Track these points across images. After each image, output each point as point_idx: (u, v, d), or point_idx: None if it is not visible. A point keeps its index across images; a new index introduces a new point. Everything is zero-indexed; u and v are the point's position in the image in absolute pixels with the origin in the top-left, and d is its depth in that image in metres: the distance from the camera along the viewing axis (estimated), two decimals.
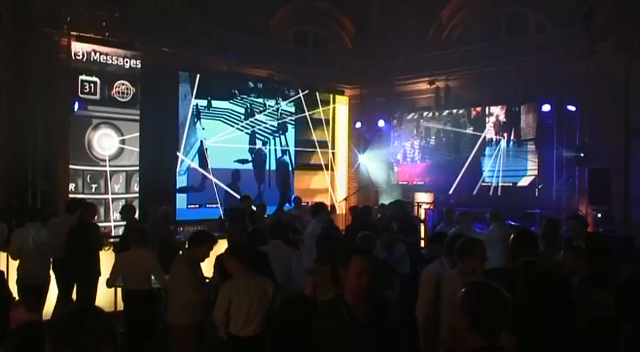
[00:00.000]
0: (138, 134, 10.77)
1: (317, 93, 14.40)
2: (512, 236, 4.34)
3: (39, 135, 9.75)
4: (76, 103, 10.01)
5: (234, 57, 12.15)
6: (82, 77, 10.19)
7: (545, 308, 3.64)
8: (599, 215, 9.97)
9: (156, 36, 10.82)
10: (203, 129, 12.11)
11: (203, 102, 12.08)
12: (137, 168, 10.74)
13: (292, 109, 13.83)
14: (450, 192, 12.64)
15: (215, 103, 12.31)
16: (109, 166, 10.34)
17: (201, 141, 12.11)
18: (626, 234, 8.37)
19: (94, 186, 9.14)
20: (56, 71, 9.97)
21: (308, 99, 14.21)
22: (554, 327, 3.58)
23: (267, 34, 13.05)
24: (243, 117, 12.85)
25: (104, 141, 10.46)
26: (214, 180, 12.16)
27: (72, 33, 9.99)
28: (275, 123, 13.48)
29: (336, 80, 14.82)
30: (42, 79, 9.81)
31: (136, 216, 8.58)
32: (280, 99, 13.53)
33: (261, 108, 13.21)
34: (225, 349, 4.51)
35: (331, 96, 14.85)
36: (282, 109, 13.60)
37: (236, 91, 12.75)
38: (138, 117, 10.77)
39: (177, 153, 11.55)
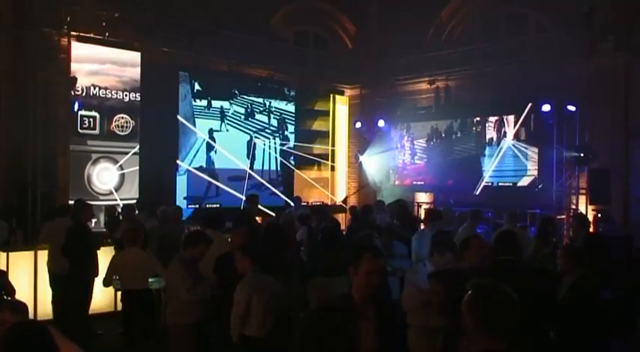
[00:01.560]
0: (137, 149, 10.77)
1: (317, 94, 14.42)
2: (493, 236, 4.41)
3: (39, 135, 9.75)
4: (76, 103, 10.00)
5: (234, 57, 12.15)
6: (82, 112, 10.19)
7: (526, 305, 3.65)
8: (599, 215, 9.96)
9: (156, 36, 10.82)
10: (227, 130, 12.51)
11: (203, 102, 12.10)
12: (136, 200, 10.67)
13: (292, 109, 13.84)
14: (477, 192, 12.42)
15: (215, 103, 12.33)
16: (109, 200, 10.22)
17: (251, 136, 12.89)
18: (626, 234, 8.37)
19: (93, 220, 9.05)
20: (56, 71, 9.97)
21: (307, 100, 14.23)
22: (539, 326, 3.59)
23: (267, 34, 13.05)
24: (243, 117, 12.87)
25: (104, 176, 10.44)
26: (258, 178, 12.88)
27: (72, 33, 9.99)
28: (275, 123, 13.50)
29: (336, 80, 14.83)
30: (42, 79, 9.80)
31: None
32: (279, 98, 13.55)
33: (261, 108, 13.23)
34: (238, 350, 4.49)
35: (331, 96, 14.85)
36: (281, 109, 13.61)
37: (236, 91, 12.76)
38: (137, 151, 10.76)
39: (177, 151, 11.58)
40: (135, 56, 10.79)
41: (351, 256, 3.03)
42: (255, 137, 13.11)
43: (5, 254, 7.29)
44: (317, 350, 2.79)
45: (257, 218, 8.75)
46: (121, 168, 10.60)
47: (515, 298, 2.29)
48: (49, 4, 9.89)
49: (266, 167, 13.30)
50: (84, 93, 10.16)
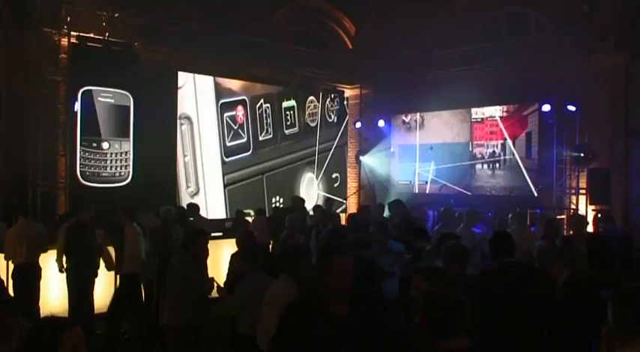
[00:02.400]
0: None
1: (317, 94, 14.42)
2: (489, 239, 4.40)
3: (39, 136, 9.74)
4: (76, 103, 9.99)
5: (234, 57, 12.14)
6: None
7: (527, 307, 3.65)
8: (599, 215, 9.97)
9: (156, 36, 10.80)
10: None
11: (203, 103, 12.08)
12: None
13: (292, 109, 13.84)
14: (536, 194, 11.80)
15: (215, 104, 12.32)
16: None
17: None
18: (626, 234, 8.38)
19: None
20: (56, 71, 9.97)
21: (307, 100, 14.22)
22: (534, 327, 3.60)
23: (267, 34, 13.04)
24: None
25: None
26: None
27: (72, 33, 9.98)
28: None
29: (336, 80, 14.82)
30: (42, 79, 9.80)
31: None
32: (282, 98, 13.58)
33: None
34: (236, 349, 4.51)
35: (331, 96, 14.84)
36: (282, 109, 13.61)
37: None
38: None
39: (177, 151, 11.52)
40: None
41: (319, 260, 3.02)
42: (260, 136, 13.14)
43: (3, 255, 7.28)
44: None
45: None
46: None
47: (459, 300, 2.41)
48: (49, 4, 9.87)
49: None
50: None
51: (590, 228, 9.27)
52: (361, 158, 14.88)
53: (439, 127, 13.58)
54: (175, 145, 11.48)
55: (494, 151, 12.53)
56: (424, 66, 13.54)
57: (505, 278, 3.83)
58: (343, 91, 15.15)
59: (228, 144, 12.30)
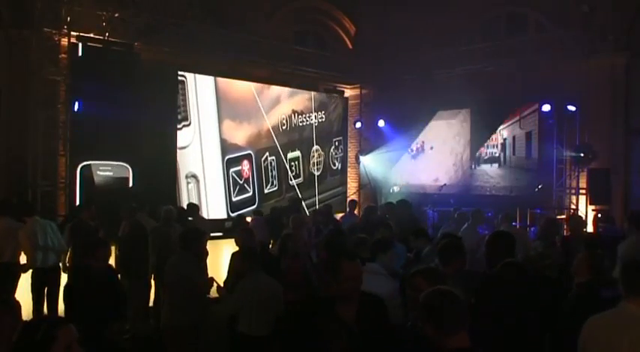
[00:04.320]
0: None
1: (316, 94, 14.42)
2: (486, 239, 4.37)
3: (39, 135, 9.75)
4: (77, 103, 9.99)
5: (234, 57, 12.15)
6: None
7: (526, 309, 3.64)
8: (599, 215, 9.98)
9: (156, 36, 10.80)
10: None
11: (202, 103, 12.07)
12: None
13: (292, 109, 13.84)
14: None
15: (214, 104, 12.31)
16: None
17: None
18: (626, 234, 8.35)
19: None
20: (56, 71, 9.97)
21: (307, 100, 14.23)
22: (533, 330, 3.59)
23: (267, 34, 13.05)
24: None
25: None
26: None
27: (72, 33, 9.99)
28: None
29: (336, 80, 14.83)
30: (42, 79, 9.80)
31: None
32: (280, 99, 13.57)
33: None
34: (236, 348, 4.52)
35: (331, 96, 14.85)
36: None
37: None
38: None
39: (176, 151, 11.48)
40: None
41: (329, 264, 3.02)
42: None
43: None
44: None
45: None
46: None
47: (459, 299, 2.41)
48: (49, 4, 9.87)
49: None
50: None
51: (590, 228, 9.28)
52: (361, 158, 14.89)
53: (439, 127, 13.58)
54: (176, 145, 11.47)
55: (494, 151, 12.55)
56: (424, 66, 13.53)
57: (507, 279, 3.82)
58: (343, 91, 15.16)
59: (233, 199, 12.27)
